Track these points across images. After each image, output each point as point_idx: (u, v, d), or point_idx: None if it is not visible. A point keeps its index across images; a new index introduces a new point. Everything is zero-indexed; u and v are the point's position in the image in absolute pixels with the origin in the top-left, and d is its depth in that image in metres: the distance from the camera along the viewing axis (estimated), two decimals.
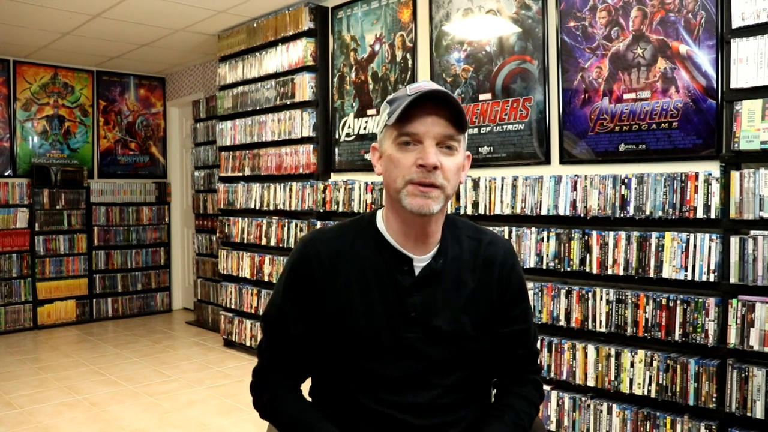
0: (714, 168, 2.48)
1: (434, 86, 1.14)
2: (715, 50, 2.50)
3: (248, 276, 4.82)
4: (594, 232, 2.77)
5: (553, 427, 2.90)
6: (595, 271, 2.77)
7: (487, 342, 1.24)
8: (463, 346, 1.20)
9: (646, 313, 2.61)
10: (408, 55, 3.82)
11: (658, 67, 2.66)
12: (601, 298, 2.75)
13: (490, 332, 1.24)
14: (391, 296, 1.18)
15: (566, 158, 3.01)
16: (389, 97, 1.20)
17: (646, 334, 2.60)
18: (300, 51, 4.38)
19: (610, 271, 2.72)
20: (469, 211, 3.24)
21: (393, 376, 1.17)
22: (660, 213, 2.58)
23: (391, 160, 1.16)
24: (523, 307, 1.30)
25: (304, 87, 4.36)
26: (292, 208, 4.45)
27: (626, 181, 2.68)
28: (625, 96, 2.77)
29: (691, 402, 2.48)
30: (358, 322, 1.17)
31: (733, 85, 2.37)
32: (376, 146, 1.23)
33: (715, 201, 2.43)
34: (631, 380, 2.65)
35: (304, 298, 1.21)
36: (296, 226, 4.40)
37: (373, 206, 3.86)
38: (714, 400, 2.41)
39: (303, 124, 4.38)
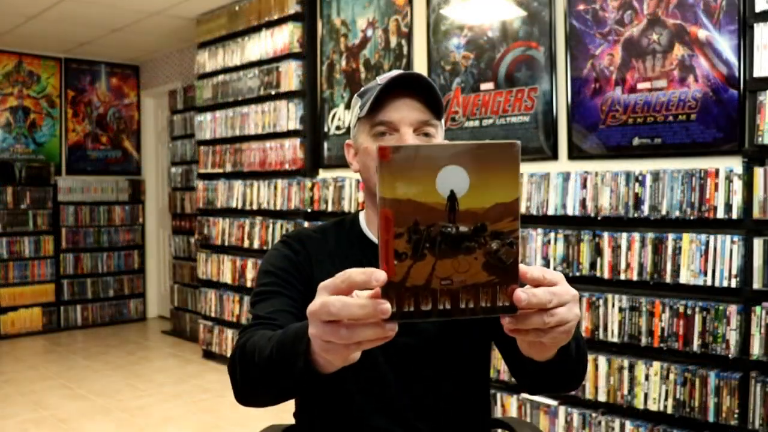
0: (736, 164, 2.46)
1: (406, 72, 1.17)
2: (737, 35, 2.47)
3: (229, 281, 4.78)
4: (605, 234, 2.75)
5: None
6: (606, 275, 2.75)
7: (485, 346, 1.25)
8: (456, 349, 1.21)
9: (662, 321, 2.59)
10: (403, 41, 3.79)
11: (675, 54, 2.64)
12: (613, 306, 2.72)
13: (492, 334, 1.24)
14: None
15: (575, 153, 2.98)
16: (360, 90, 1.23)
17: (661, 345, 2.59)
18: (286, 36, 4.34)
19: (622, 276, 2.70)
20: None
21: (386, 377, 1.17)
22: (677, 213, 2.56)
23: (367, 153, 1.19)
24: None
25: (290, 75, 4.32)
26: (278, 208, 4.41)
27: (640, 178, 2.66)
28: (639, 85, 2.74)
29: (711, 419, 2.45)
30: None
31: (756, 74, 2.36)
32: (350, 143, 1.27)
33: (737, 200, 2.41)
34: (646, 395, 2.62)
35: (293, 284, 1.19)
36: (282, 226, 4.36)
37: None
38: (736, 416, 2.39)
39: (289, 115, 4.34)
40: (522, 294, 0.67)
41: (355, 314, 0.65)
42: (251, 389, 0.99)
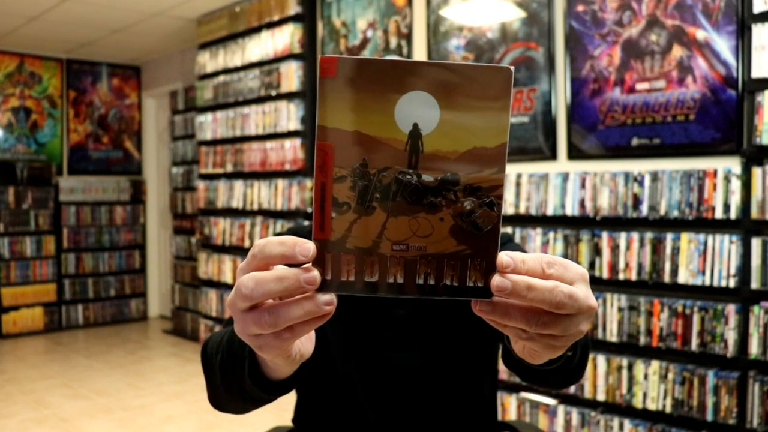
0: (734, 164, 2.45)
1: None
2: (735, 36, 2.47)
3: (230, 281, 4.78)
4: (604, 234, 2.74)
5: None
6: (605, 275, 2.74)
7: (492, 346, 1.22)
8: (459, 361, 1.19)
9: (660, 321, 2.58)
10: (403, 42, 3.79)
11: (674, 54, 2.64)
12: (612, 305, 2.72)
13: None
14: (381, 308, 1.18)
15: (574, 153, 2.98)
16: None
17: (660, 344, 2.58)
18: (286, 37, 4.34)
19: (621, 276, 2.69)
20: None
21: (386, 393, 1.16)
22: (675, 213, 2.56)
23: None
24: None
25: (291, 76, 4.31)
26: (278, 208, 4.41)
27: (639, 178, 2.66)
28: (638, 86, 2.74)
29: (709, 417, 2.45)
30: (344, 331, 1.16)
31: (754, 75, 2.35)
32: None
33: (735, 200, 2.41)
34: (645, 394, 2.62)
35: None
36: (282, 226, 4.36)
37: None
38: (734, 415, 2.39)
39: (290, 116, 4.34)
40: (502, 281, 0.49)
41: (272, 290, 0.49)
42: (219, 397, 0.86)
